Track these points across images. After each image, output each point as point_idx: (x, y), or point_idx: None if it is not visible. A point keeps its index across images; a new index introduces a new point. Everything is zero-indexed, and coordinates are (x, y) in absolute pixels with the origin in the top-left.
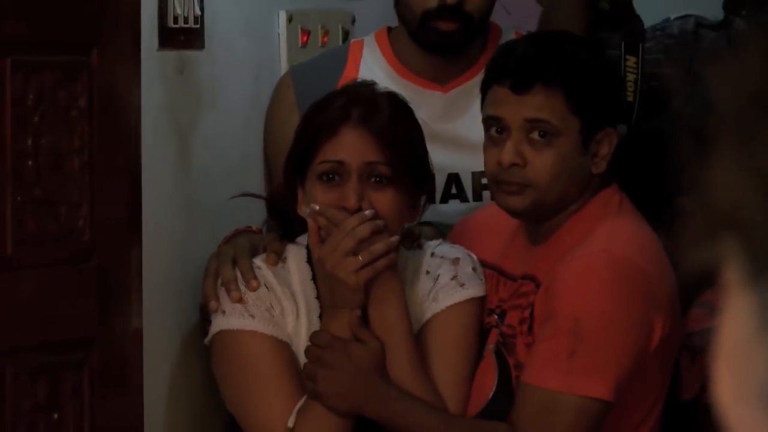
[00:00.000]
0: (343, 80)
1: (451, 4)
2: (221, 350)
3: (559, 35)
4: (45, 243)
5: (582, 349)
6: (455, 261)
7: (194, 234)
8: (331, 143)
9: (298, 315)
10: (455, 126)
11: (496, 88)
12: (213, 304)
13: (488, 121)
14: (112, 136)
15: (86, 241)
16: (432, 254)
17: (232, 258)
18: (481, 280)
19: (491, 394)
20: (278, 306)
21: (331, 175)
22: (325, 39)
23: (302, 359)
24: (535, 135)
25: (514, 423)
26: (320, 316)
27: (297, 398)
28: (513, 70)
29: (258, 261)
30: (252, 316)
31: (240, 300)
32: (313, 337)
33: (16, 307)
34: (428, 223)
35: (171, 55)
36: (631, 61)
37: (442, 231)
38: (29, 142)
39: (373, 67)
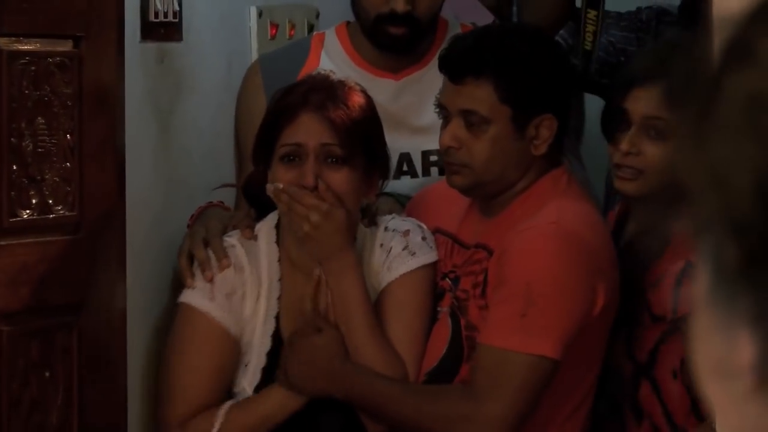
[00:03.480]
0: (306, 68)
1: (401, 12)
2: (178, 319)
3: (503, 29)
4: (38, 216)
5: (533, 311)
6: (405, 233)
7: (174, 208)
8: (290, 128)
9: (259, 296)
10: (406, 110)
11: (443, 77)
12: (189, 281)
13: (438, 106)
14: (99, 119)
15: (75, 214)
16: (385, 228)
17: (204, 238)
18: (431, 247)
19: (443, 352)
20: (241, 289)
21: (291, 157)
22: (292, 32)
23: (258, 338)
24: (470, 121)
25: (472, 381)
26: (279, 298)
27: (209, 398)
28: (449, 62)
29: (233, 239)
30: (212, 299)
31: (212, 279)
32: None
33: (12, 274)
34: (387, 194)
35: (152, 46)
36: (592, 14)
37: (400, 200)
38: (24, 124)
39: (333, 56)
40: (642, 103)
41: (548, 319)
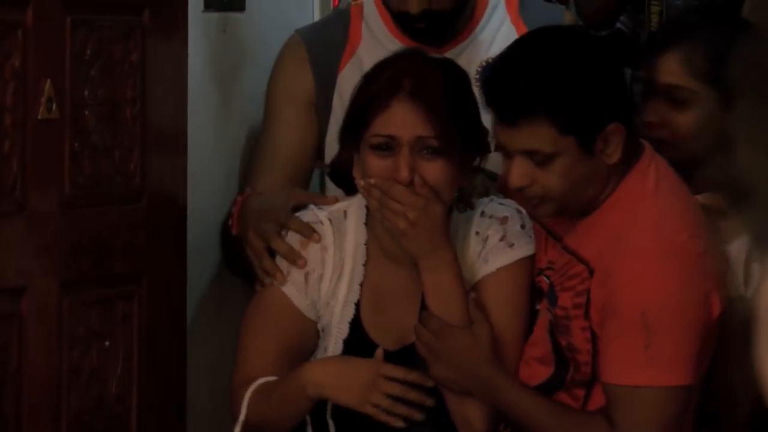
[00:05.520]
0: (350, 42)
1: (415, 14)
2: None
3: (539, 52)
4: (100, 185)
5: (656, 341)
6: (503, 220)
7: (234, 177)
8: (382, 117)
9: (340, 279)
10: None
11: (492, 113)
12: (281, 277)
13: (495, 143)
14: (161, 89)
15: (137, 183)
16: (482, 213)
17: (276, 231)
18: (530, 237)
19: (552, 372)
20: (320, 269)
21: (383, 146)
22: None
23: (336, 324)
24: (535, 159)
25: (610, 417)
26: (361, 284)
27: (269, 371)
28: (496, 106)
29: (322, 215)
30: (288, 274)
31: (305, 265)
32: (425, 321)
33: (73, 243)
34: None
35: (215, 16)
36: None
37: (491, 176)
38: (86, 93)
39: (374, 30)
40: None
41: (673, 346)
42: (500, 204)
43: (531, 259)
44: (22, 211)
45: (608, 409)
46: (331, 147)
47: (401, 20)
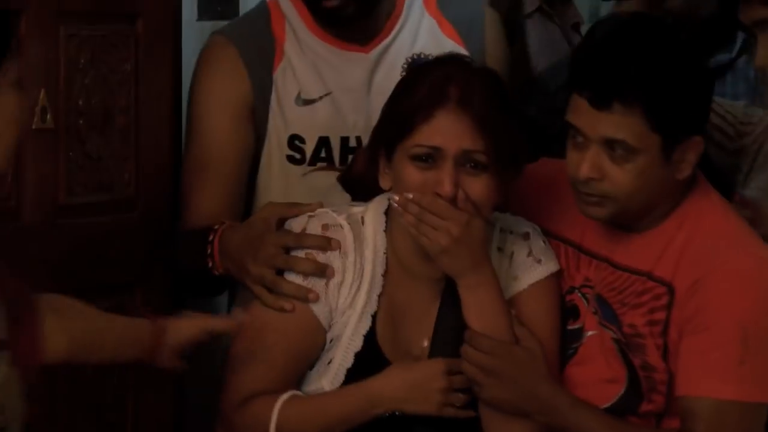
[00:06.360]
0: (277, 39)
1: None
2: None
3: (640, 34)
4: (94, 194)
5: (751, 358)
6: (526, 236)
7: None
8: (427, 127)
9: (359, 288)
10: (382, 86)
11: (576, 96)
12: (314, 296)
13: (569, 126)
14: (155, 97)
15: (131, 192)
16: (501, 230)
17: (285, 254)
18: (552, 251)
19: (622, 391)
20: (340, 275)
21: (424, 157)
22: None
23: (348, 335)
24: (614, 151)
25: (690, 430)
26: (379, 296)
27: (275, 383)
28: (591, 84)
29: (341, 219)
30: (305, 279)
31: (333, 274)
32: (473, 340)
33: (67, 253)
34: None
35: (208, 24)
36: None
37: None
38: (80, 102)
39: (298, 30)
40: None
41: (765, 362)
42: (516, 220)
43: (558, 276)
44: (16, 220)
45: (688, 423)
46: (273, 151)
47: (310, 2)
